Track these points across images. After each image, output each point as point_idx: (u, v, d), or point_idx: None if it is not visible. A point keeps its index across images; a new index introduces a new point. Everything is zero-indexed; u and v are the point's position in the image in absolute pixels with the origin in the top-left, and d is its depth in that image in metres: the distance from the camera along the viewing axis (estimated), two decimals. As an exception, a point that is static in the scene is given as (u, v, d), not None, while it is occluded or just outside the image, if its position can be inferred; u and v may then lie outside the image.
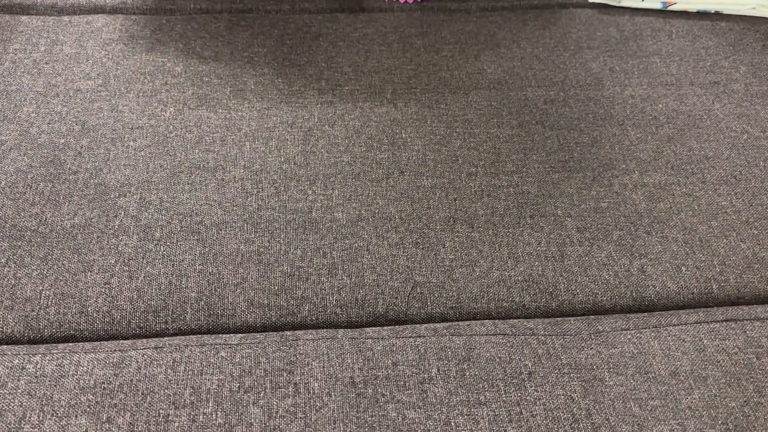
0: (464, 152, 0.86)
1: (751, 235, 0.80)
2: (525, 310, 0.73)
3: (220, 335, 0.67)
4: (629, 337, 0.68)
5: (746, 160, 0.88)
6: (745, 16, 1.08)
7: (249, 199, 0.79)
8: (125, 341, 0.66)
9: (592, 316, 0.72)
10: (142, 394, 0.61)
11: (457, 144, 0.87)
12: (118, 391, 0.61)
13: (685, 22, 1.07)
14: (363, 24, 1.02)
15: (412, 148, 0.86)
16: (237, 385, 0.62)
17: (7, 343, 0.68)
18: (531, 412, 0.61)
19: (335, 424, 0.60)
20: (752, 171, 0.86)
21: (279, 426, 0.59)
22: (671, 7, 1.09)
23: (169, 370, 0.63)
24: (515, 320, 0.70)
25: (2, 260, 0.72)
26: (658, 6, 1.08)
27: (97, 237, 0.74)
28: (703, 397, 0.63)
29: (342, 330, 0.68)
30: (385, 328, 0.69)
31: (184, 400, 0.61)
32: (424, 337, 0.67)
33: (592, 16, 1.07)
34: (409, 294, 0.72)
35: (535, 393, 0.63)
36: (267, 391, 0.62)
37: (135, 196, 0.78)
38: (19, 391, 0.61)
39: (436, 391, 0.62)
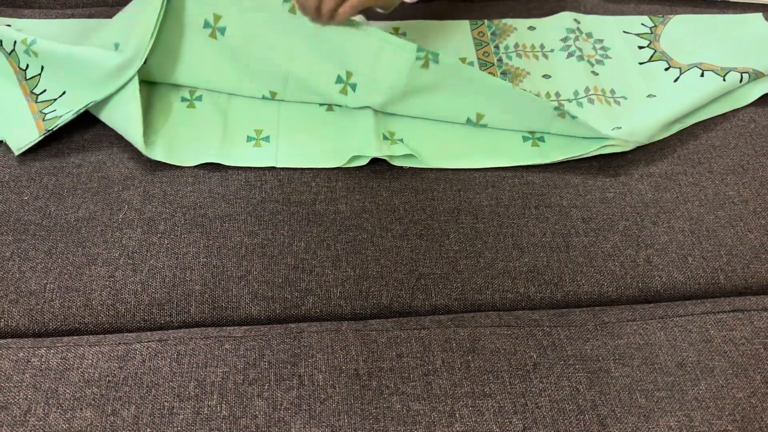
0: (468, 143, 0.86)
1: (759, 225, 0.79)
2: (530, 302, 0.73)
3: (224, 328, 0.67)
4: (635, 328, 0.68)
5: (754, 149, 0.87)
6: (752, 3, 1.07)
7: (253, 192, 0.78)
8: (130, 334, 0.66)
9: (597, 307, 0.71)
10: (147, 386, 0.61)
11: (461, 135, 0.87)
12: (122, 384, 0.61)
13: (691, 9, 1.06)
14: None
15: (416, 139, 0.86)
16: (241, 377, 0.62)
17: (11, 337, 0.68)
18: (536, 403, 0.61)
19: (339, 416, 0.60)
20: (760, 160, 0.86)
21: (283, 418, 0.59)
22: (678, -5, 1.08)
23: (173, 363, 0.63)
24: (520, 312, 0.70)
25: (7, 254, 0.72)
26: None
27: (101, 230, 0.74)
28: (709, 388, 0.63)
29: (346, 322, 0.68)
30: (390, 320, 0.68)
31: (189, 393, 0.61)
32: (429, 328, 0.67)
33: (597, 4, 1.06)
34: (414, 286, 0.72)
35: (540, 384, 0.63)
36: (271, 383, 0.62)
37: (139, 189, 0.78)
38: (24, 384, 0.61)
39: (441, 382, 0.62)
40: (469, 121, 0.85)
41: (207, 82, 0.87)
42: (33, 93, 0.83)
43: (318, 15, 0.77)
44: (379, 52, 0.81)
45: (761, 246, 0.77)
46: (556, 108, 0.81)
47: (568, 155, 0.82)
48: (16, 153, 0.80)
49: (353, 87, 0.84)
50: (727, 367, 0.64)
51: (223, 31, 0.82)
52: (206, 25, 0.82)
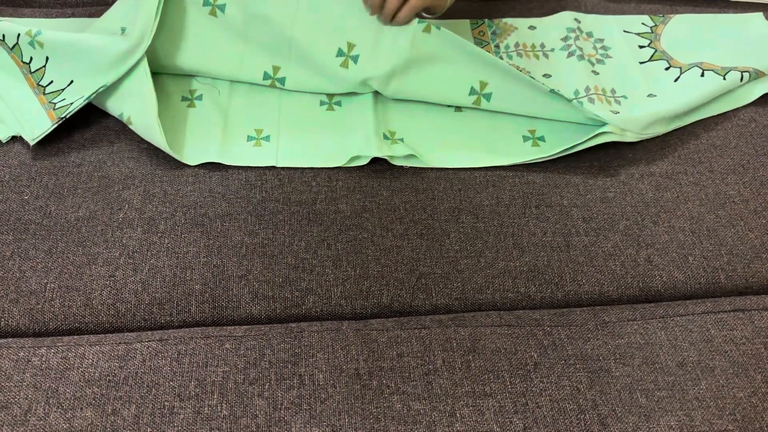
0: (469, 142, 0.86)
1: (759, 225, 0.79)
2: (530, 301, 0.73)
3: (224, 327, 0.67)
4: (636, 327, 0.68)
5: (754, 149, 0.87)
6: (752, 2, 1.07)
7: (253, 191, 0.78)
8: (130, 334, 0.66)
9: (598, 307, 0.71)
10: (147, 386, 0.61)
11: (461, 134, 0.87)
12: (123, 384, 0.61)
13: (692, 9, 1.06)
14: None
15: (416, 138, 0.86)
16: (242, 376, 0.62)
17: (12, 336, 0.68)
18: (536, 403, 0.61)
19: (340, 415, 0.60)
20: (760, 160, 0.86)
21: (284, 417, 0.59)
22: (678, -6, 1.08)
23: (174, 363, 0.63)
24: (520, 311, 0.70)
25: (7, 253, 0.72)
26: None
27: (102, 230, 0.74)
28: (710, 388, 0.63)
29: (347, 321, 0.68)
30: (390, 319, 0.68)
31: (189, 392, 0.61)
32: (429, 328, 0.67)
33: (598, 4, 1.06)
34: (414, 285, 0.72)
35: (541, 384, 0.62)
36: (272, 382, 0.62)
37: (139, 189, 0.78)
38: (25, 383, 0.61)
39: (441, 382, 0.62)
40: (473, 92, 0.85)
41: (209, 65, 0.87)
42: (40, 85, 0.84)
43: (379, 12, 0.81)
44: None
45: (762, 245, 0.77)
46: (551, 90, 0.82)
47: (568, 145, 0.82)
48: (32, 143, 0.80)
49: (354, 59, 0.84)
50: (728, 366, 0.64)
51: (222, 8, 0.83)
52: (206, 3, 0.83)
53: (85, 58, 0.82)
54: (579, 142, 0.81)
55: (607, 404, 0.61)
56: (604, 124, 0.81)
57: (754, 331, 0.67)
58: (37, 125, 0.81)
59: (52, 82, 0.84)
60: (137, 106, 0.80)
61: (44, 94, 0.83)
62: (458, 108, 0.88)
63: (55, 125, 0.80)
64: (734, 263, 0.76)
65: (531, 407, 0.61)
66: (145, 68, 0.80)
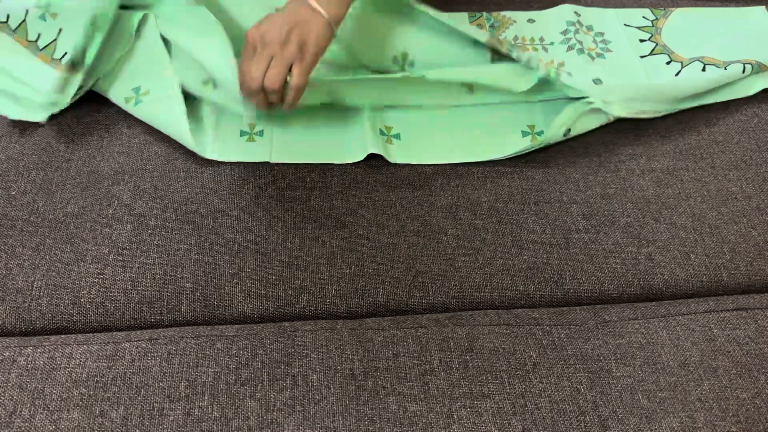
0: (467, 137, 0.84)
1: (762, 222, 0.78)
2: (529, 300, 0.72)
3: (216, 326, 0.66)
4: (637, 326, 0.66)
5: (757, 144, 0.86)
6: (755, -4, 1.06)
7: (246, 187, 0.77)
8: (119, 333, 0.65)
9: (598, 306, 0.70)
10: (136, 387, 0.60)
11: (459, 129, 0.85)
12: (111, 384, 0.60)
13: (693, 2, 1.05)
14: None
15: (413, 133, 0.84)
16: (233, 377, 0.61)
17: (-2, 335, 0.66)
18: (536, 404, 0.60)
19: (334, 417, 0.58)
20: (763, 156, 0.84)
21: (277, 419, 0.58)
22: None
23: (163, 363, 0.61)
24: (519, 310, 0.69)
25: (-7, 250, 0.70)
26: None
27: (91, 226, 0.73)
28: (713, 389, 0.62)
29: (341, 321, 0.66)
30: (386, 318, 0.67)
31: (179, 393, 0.59)
32: (426, 327, 0.65)
33: (598, -3, 1.05)
34: (410, 283, 0.71)
35: (540, 385, 0.61)
36: (264, 383, 0.60)
37: (129, 184, 0.76)
38: (10, 384, 0.59)
39: (438, 383, 0.61)
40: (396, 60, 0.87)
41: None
42: (54, 59, 0.83)
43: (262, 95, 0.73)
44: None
45: (765, 243, 0.76)
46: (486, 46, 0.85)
47: (559, 122, 0.81)
48: (67, 104, 0.82)
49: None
50: (731, 366, 0.63)
51: None
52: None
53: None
54: (567, 116, 0.81)
55: (607, 405, 0.60)
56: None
57: (757, 331, 0.66)
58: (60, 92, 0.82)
59: (66, 53, 0.82)
60: (156, 80, 0.81)
61: (61, 63, 0.82)
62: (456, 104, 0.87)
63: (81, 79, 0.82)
64: (737, 261, 0.74)
65: (530, 408, 0.60)
66: (156, 38, 0.82)
